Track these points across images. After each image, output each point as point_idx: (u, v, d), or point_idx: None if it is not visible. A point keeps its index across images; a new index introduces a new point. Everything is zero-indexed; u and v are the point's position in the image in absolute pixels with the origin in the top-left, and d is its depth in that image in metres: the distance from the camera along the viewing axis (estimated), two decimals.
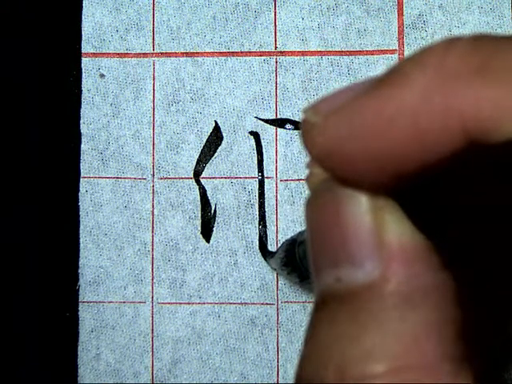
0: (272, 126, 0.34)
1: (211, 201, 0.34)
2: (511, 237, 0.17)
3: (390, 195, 0.14)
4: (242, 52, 0.34)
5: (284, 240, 0.32)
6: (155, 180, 0.34)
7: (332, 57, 0.34)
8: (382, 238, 0.14)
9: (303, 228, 0.33)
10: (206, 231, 0.34)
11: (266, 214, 0.34)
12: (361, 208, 0.14)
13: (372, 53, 0.34)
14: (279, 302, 0.33)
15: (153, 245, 0.34)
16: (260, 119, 0.34)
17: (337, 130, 0.14)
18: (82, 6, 0.35)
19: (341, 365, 0.14)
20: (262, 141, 0.34)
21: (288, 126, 0.34)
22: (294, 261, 0.30)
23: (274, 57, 0.34)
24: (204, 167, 0.34)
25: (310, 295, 0.33)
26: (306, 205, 0.15)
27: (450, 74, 0.13)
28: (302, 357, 0.15)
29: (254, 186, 0.34)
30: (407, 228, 0.14)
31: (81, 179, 0.34)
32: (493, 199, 0.17)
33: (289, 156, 0.34)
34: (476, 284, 0.17)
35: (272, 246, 0.34)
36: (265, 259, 0.33)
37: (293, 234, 0.32)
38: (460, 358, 0.14)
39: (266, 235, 0.34)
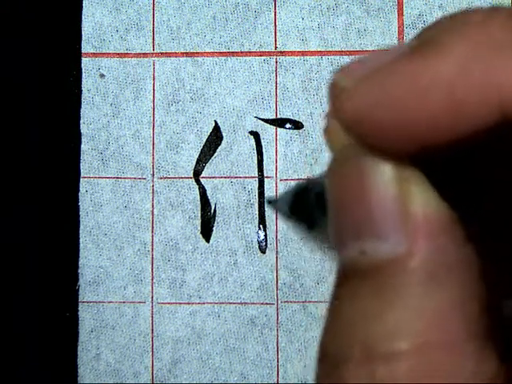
0: (272, 126, 0.34)
1: (211, 200, 0.34)
2: None
3: (418, 166, 0.14)
4: (242, 52, 0.34)
5: (283, 196, 0.31)
6: (155, 180, 0.34)
7: (332, 57, 0.34)
8: (407, 209, 0.14)
9: (313, 176, 0.33)
10: (206, 231, 0.34)
11: (266, 213, 0.34)
12: (385, 177, 0.14)
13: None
14: (279, 302, 0.33)
15: (153, 245, 0.34)
16: (260, 119, 0.34)
17: (367, 96, 0.14)
18: (82, 6, 0.35)
19: (366, 342, 0.13)
20: (262, 141, 0.34)
21: (288, 125, 0.34)
22: (305, 208, 0.29)
23: (274, 57, 0.34)
24: (204, 167, 0.34)
25: (308, 295, 0.33)
26: (328, 173, 0.15)
27: (492, 45, 0.12)
28: (324, 333, 0.14)
29: (254, 185, 0.34)
30: (433, 200, 0.14)
31: (81, 179, 0.34)
32: None
33: (289, 156, 0.34)
34: (509, 258, 0.16)
35: (272, 246, 0.34)
36: (269, 205, 0.33)
37: (300, 182, 0.31)
38: (484, 336, 0.13)
39: (266, 235, 0.34)
